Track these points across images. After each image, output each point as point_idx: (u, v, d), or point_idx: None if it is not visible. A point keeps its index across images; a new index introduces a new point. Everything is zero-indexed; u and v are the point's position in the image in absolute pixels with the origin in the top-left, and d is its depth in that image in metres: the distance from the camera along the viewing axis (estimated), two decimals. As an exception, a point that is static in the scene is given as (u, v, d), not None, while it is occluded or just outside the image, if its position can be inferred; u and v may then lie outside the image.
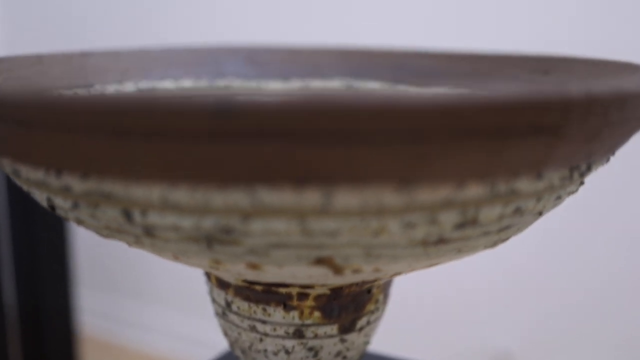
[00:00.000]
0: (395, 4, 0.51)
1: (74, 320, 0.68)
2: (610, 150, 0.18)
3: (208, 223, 0.16)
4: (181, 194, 0.15)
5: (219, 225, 0.16)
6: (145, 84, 0.29)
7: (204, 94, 0.13)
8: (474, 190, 0.16)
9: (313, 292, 0.22)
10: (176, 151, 0.14)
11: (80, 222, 0.18)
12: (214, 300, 0.25)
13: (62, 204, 0.18)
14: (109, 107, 0.13)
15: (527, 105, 0.14)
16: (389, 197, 0.15)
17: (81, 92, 0.26)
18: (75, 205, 0.17)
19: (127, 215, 0.17)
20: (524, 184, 0.16)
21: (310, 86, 0.32)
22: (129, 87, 0.29)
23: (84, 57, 0.28)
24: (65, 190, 0.17)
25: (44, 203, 0.19)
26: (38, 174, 0.17)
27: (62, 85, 0.27)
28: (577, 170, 0.18)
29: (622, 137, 0.17)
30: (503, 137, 0.14)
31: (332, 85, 0.32)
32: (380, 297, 0.24)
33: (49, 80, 0.26)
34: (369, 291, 0.23)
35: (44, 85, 0.14)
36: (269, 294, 0.22)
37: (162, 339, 0.73)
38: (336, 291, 0.22)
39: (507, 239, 0.20)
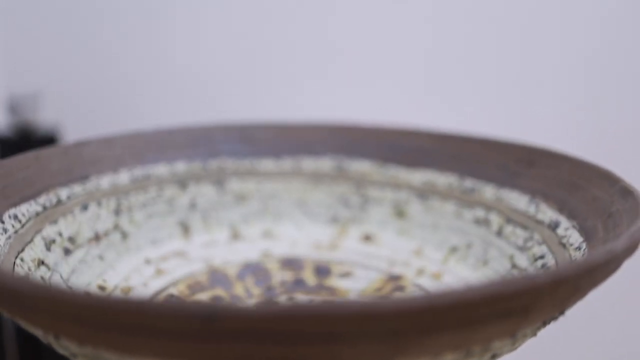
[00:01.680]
0: (386, 80, 0.51)
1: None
2: (581, 299, 0.19)
3: (199, 385, 0.17)
4: (172, 368, 0.16)
5: (209, 387, 0.17)
6: (139, 171, 0.30)
7: (197, 306, 0.14)
8: (450, 357, 0.17)
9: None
10: (167, 344, 0.15)
11: (78, 361, 0.19)
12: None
13: (61, 350, 0.19)
14: (99, 309, 0.14)
15: (496, 299, 0.15)
16: (369, 370, 0.16)
17: (78, 210, 0.27)
18: (74, 356, 0.18)
19: (122, 371, 0.17)
20: (498, 344, 0.17)
21: (302, 164, 0.32)
22: (123, 175, 0.30)
23: (80, 147, 0.29)
24: (64, 348, 0.18)
25: (45, 342, 0.20)
26: (37, 331, 0.18)
27: (60, 182, 0.27)
28: (551, 319, 0.18)
29: (591, 291, 0.18)
30: (475, 324, 0.15)
31: (323, 162, 0.32)
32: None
33: (48, 178, 0.27)
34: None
35: (34, 280, 0.15)
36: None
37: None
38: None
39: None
